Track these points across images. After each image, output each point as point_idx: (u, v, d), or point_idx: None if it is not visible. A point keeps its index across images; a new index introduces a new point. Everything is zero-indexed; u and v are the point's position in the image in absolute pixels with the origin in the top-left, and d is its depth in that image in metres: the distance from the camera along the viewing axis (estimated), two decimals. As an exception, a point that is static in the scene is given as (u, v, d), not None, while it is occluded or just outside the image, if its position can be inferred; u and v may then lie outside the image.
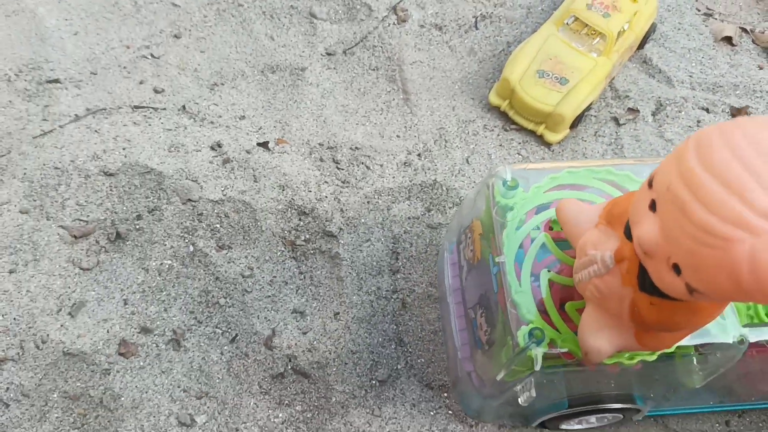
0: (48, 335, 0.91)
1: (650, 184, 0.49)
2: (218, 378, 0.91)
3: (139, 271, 0.97)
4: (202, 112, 1.13)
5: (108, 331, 0.92)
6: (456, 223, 0.90)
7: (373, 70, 1.18)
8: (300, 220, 1.02)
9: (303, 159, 1.08)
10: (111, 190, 1.02)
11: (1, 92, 1.16)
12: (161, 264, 0.97)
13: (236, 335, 0.93)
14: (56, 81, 1.17)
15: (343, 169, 1.07)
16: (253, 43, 1.21)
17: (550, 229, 0.73)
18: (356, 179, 1.06)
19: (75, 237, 0.98)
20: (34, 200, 1.01)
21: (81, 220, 1.00)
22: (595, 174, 0.77)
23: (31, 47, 1.21)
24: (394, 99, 1.15)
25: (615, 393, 0.80)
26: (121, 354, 0.91)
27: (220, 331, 0.94)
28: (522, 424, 0.89)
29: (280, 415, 0.89)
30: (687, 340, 0.66)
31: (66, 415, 0.88)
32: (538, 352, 0.67)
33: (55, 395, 0.88)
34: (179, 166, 1.04)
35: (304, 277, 0.98)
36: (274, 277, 0.98)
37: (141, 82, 1.17)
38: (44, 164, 1.03)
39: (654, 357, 0.68)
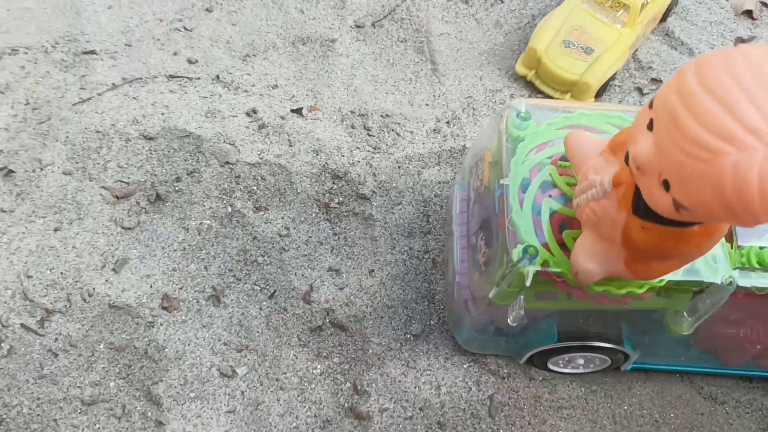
0: (94, 289, 0.94)
1: (650, 105, 0.52)
2: (257, 332, 0.94)
3: (180, 230, 1.00)
4: (236, 82, 1.16)
5: (151, 286, 0.95)
6: (468, 160, 0.92)
7: (402, 41, 1.21)
8: (333, 183, 1.05)
9: (335, 126, 1.11)
10: (150, 153, 1.05)
11: (38, 63, 1.19)
12: (200, 224, 1.00)
13: (275, 291, 0.96)
14: (92, 52, 1.20)
15: (374, 136, 1.10)
16: (283, 16, 1.24)
17: (558, 165, 0.75)
18: (387, 145, 1.09)
19: (117, 197, 1.01)
20: (77, 162, 1.04)
21: (122, 182, 1.03)
22: (608, 118, 0.78)
23: (67, 20, 1.24)
24: (422, 69, 1.18)
25: (603, 331, 0.82)
26: (163, 308, 0.94)
27: (259, 288, 0.97)
28: (513, 357, 0.91)
29: (318, 366, 0.92)
30: (678, 278, 0.69)
31: (112, 365, 0.91)
32: (530, 269, 0.70)
33: (102, 346, 0.91)
34: (217, 131, 1.07)
35: (338, 238, 1.01)
36: (310, 237, 1.01)
37: (175, 54, 1.20)
38: (86, 128, 1.07)
39: (642, 289, 0.70)
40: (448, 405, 0.91)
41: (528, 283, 0.70)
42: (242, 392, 0.90)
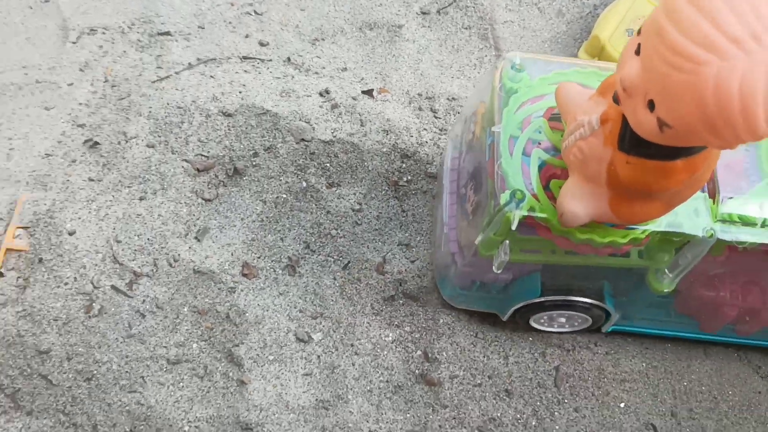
0: (179, 255, 0.99)
1: (639, 32, 0.54)
2: (332, 300, 0.98)
3: (257, 203, 1.04)
4: (306, 64, 1.20)
5: (232, 254, 1.00)
6: (461, 116, 0.94)
7: (466, 29, 1.25)
8: (402, 162, 1.09)
9: (403, 107, 1.15)
10: (229, 129, 1.10)
11: (116, 43, 1.24)
12: (277, 197, 1.05)
13: (348, 262, 1.01)
14: (167, 33, 1.25)
15: (440, 118, 1.14)
16: (350, 2, 1.28)
17: (550, 118, 0.78)
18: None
19: (198, 170, 1.06)
20: (159, 136, 1.09)
21: (202, 155, 1.07)
22: (601, 76, 0.79)
23: (142, 3, 1.29)
24: (486, 56, 1.22)
25: (586, 287, 0.84)
26: (244, 275, 0.99)
27: (332, 259, 1.01)
28: (496, 312, 0.93)
29: (391, 334, 0.96)
30: (660, 228, 0.71)
31: (195, 328, 0.95)
32: (516, 213, 0.72)
33: (185, 309, 0.96)
34: (293, 109, 1.11)
35: (407, 215, 1.06)
36: (380, 213, 1.05)
37: (246, 36, 1.25)
38: (167, 104, 1.12)
39: (625, 239, 0.72)
40: (516, 374, 0.94)
41: (514, 227, 0.72)
42: (318, 356, 0.95)
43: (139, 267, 0.98)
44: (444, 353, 0.95)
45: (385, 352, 0.95)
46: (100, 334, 0.94)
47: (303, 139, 1.09)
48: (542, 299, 0.85)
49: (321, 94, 1.15)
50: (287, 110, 1.11)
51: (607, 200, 0.66)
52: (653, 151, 0.58)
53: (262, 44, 1.23)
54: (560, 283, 0.85)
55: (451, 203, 0.91)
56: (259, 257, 1.00)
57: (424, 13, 1.26)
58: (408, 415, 0.92)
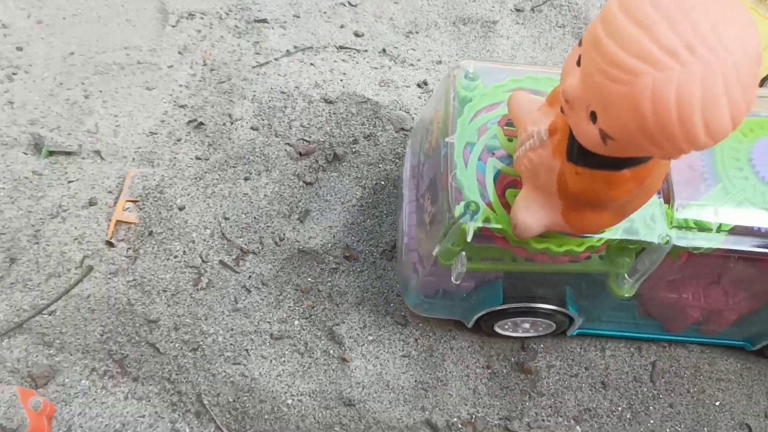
0: (284, 234, 1.01)
1: (580, 43, 0.53)
2: (429, 286, 1.00)
3: (357, 188, 1.07)
4: (402, 56, 1.22)
5: (333, 236, 1.02)
6: (418, 124, 0.94)
7: (560, 27, 1.26)
8: (498, 155, 1.11)
9: (498, 102, 1.17)
10: (330, 115, 1.12)
11: (213, 28, 1.28)
12: (376, 183, 1.07)
13: (446, 250, 1.02)
14: (264, 21, 1.28)
15: (534, 114, 1.16)
16: (444, -2, 1.30)
17: (505, 127, 0.77)
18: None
19: (300, 154, 1.09)
20: (263, 119, 1.12)
21: (304, 140, 1.10)
22: (554, 82, 0.78)
23: (239, -10, 1.32)
24: (579, 54, 1.23)
25: (548, 294, 0.84)
26: (345, 257, 1.01)
27: (430, 246, 1.03)
28: (461, 319, 0.94)
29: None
30: (617, 236, 0.71)
31: (297, 305, 0.98)
32: (471, 225, 0.72)
33: (289, 287, 0.99)
34: (393, 98, 1.14)
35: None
36: (476, 203, 1.07)
37: (341, 27, 1.27)
38: (271, 89, 1.15)
39: (581, 248, 0.72)
40: (612, 367, 0.96)
41: (469, 239, 0.72)
42: (415, 339, 0.97)
43: (245, 244, 1.01)
44: (541, 344, 0.97)
45: (483, 340, 0.97)
46: (207, 307, 0.97)
47: (402, 128, 1.11)
48: (504, 306, 0.85)
49: (419, 85, 1.17)
50: (387, 99, 1.14)
51: (560, 210, 0.67)
52: (600, 161, 0.57)
53: (357, 35, 1.26)
54: (522, 290, 0.85)
55: (410, 212, 0.91)
56: (358, 241, 1.03)
57: (518, 10, 1.28)
58: (504, 401, 0.93)
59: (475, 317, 0.89)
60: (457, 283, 0.80)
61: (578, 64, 0.53)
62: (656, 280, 0.80)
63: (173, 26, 1.29)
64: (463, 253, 0.76)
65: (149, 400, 0.93)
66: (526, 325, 0.91)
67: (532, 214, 0.68)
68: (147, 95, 1.19)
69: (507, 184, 0.75)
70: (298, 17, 1.29)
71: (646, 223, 0.73)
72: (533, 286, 0.85)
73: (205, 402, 0.92)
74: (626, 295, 0.79)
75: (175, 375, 0.94)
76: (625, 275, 0.78)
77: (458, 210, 0.73)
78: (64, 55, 1.25)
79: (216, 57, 1.24)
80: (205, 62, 1.23)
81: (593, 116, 0.52)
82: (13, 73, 1.22)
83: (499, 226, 0.72)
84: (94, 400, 0.92)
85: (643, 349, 0.97)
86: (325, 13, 1.30)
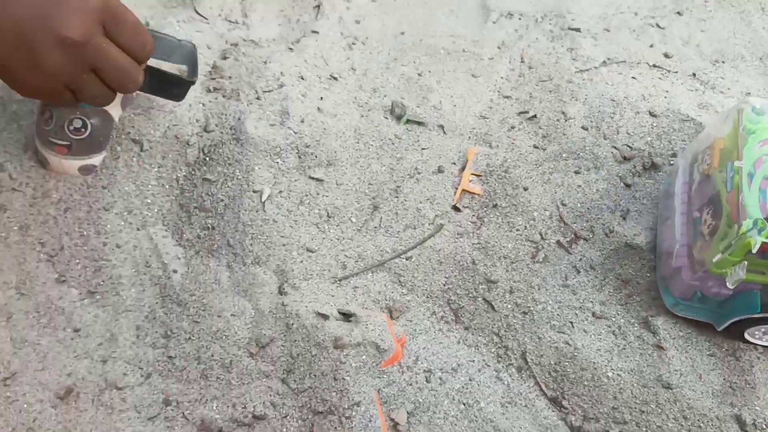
0: (613, 228, 1.14)
1: None
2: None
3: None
4: (711, 82, 1.32)
5: (654, 237, 1.14)
6: (695, 147, 1.08)
7: None
8: None
9: None
10: (652, 127, 1.24)
11: (529, 29, 1.41)
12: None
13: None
14: (577, 29, 1.41)
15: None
16: (751, 33, 1.39)
17: None
18: None
19: (624, 158, 1.21)
20: (592, 121, 1.24)
21: (628, 146, 1.22)
22: None
23: (555, -2, 1.45)
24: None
25: None
26: (664, 257, 1.12)
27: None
28: (712, 323, 1.03)
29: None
30: None
31: (616, 292, 1.10)
32: (757, 239, 0.85)
33: (611, 275, 1.11)
34: (712, 122, 1.24)
35: None
36: None
37: (651, 46, 1.38)
38: (601, 95, 1.27)
39: None
40: None
41: (755, 251, 0.86)
42: (717, 343, 1.07)
43: (579, 230, 1.14)
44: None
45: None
46: (541, 278, 1.10)
47: (722, 151, 1.21)
48: (763, 315, 0.96)
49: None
50: (708, 122, 1.24)
51: None
52: None
53: (666, 56, 1.36)
54: None
55: (682, 223, 1.04)
56: (673, 245, 1.14)
57: (826, 56, 1.35)
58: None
59: (728, 322, 1.01)
60: (733, 288, 0.94)
61: None
62: None
63: (494, 22, 1.43)
64: (746, 262, 0.90)
65: (477, 348, 1.07)
66: None
67: None
68: (473, 81, 1.33)
69: None
70: (608, 31, 1.41)
71: None
72: None
73: (528, 360, 1.05)
74: None
75: (503, 331, 1.08)
76: None
77: (746, 225, 0.88)
78: (395, 34, 1.42)
79: (533, 56, 1.37)
80: (523, 59, 1.37)
81: None
82: (353, 43, 1.39)
83: None
84: (433, 338, 1.07)
85: None
86: (634, 30, 1.41)
